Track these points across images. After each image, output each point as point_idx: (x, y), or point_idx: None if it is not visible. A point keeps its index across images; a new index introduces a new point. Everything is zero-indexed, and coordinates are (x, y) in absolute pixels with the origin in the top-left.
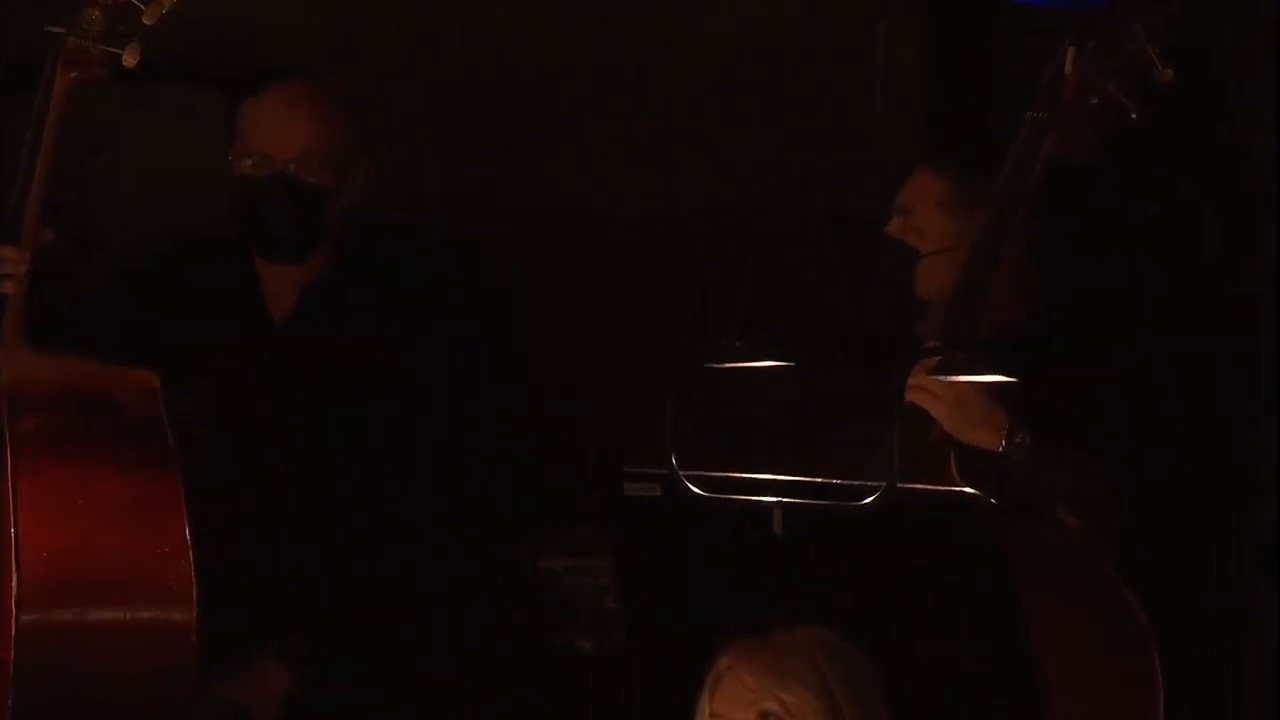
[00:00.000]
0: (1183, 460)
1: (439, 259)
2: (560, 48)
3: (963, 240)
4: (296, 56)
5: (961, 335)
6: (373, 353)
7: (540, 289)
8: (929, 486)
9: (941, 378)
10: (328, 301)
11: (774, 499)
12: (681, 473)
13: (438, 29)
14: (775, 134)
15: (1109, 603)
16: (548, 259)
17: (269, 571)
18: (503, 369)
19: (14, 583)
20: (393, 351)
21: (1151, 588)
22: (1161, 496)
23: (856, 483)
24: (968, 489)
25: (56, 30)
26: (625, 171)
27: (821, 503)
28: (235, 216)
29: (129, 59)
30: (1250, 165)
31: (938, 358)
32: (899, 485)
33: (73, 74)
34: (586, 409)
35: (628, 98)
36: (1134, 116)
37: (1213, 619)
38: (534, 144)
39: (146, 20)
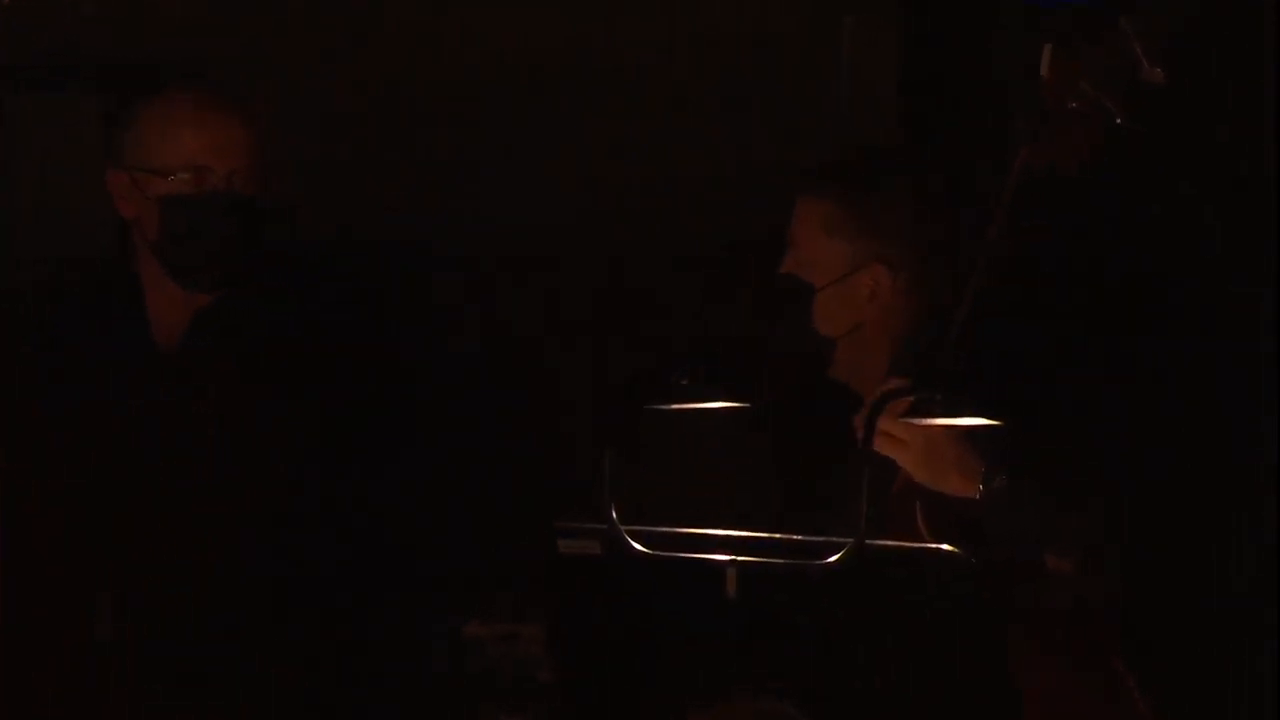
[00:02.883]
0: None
1: (349, 282)
2: (496, 46)
3: (860, 264)
4: (188, 51)
5: (934, 374)
6: (274, 389)
7: (461, 317)
8: (901, 543)
9: (914, 421)
10: (225, 329)
11: (728, 557)
12: (623, 528)
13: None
14: (730, 139)
15: (1105, 679)
16: (468, 282)
17: (168, 628)
18: (418, 407)
19: None
20: (296, 388)
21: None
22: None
23: (820, 538)
24: (945, 545)
25: None
26: (563, 182)
27: (781, 561)
28: (160, 239)
29: None
30: (1250, 164)
31: (907, 400)
32: (868, 541)
33: None
34: (516, 454)
35: (572, 99)
36: (1119, 122)
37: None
38: (455, 150)
39: None
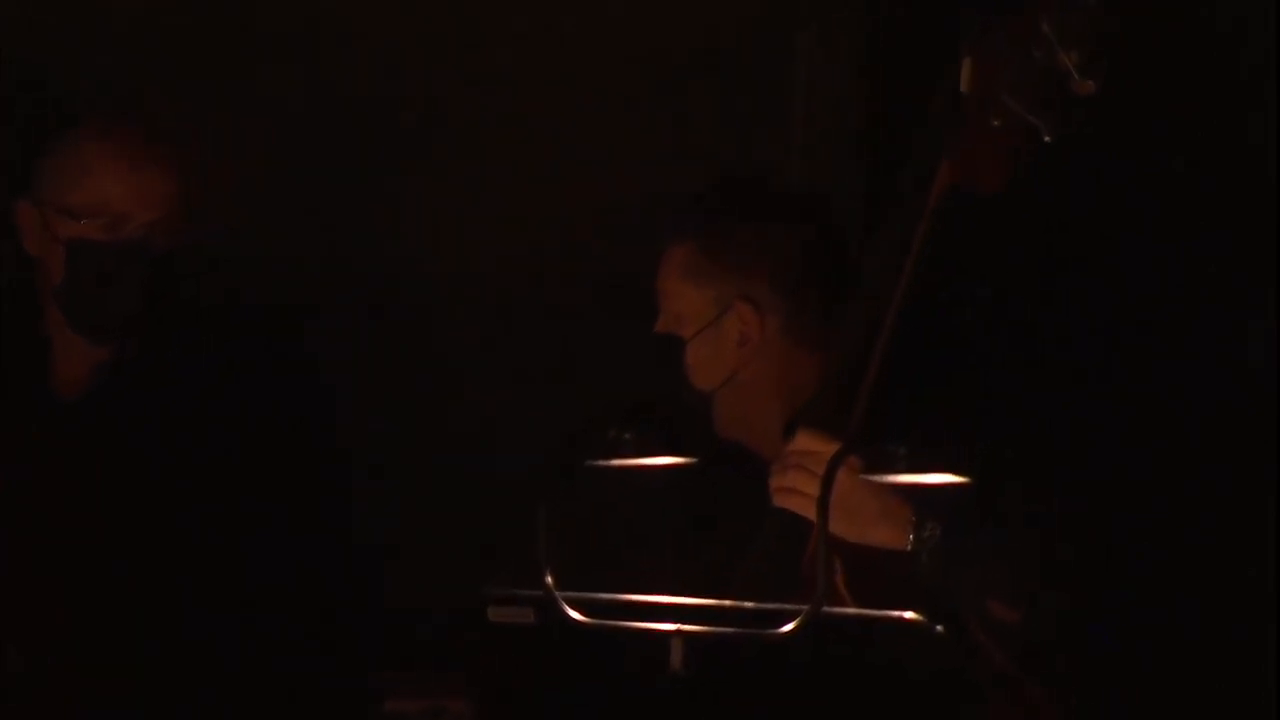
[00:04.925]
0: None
1: (261, 332)
2: (416, 68)
3: (725, 305)
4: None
5: (885, 425)
6: (181, 445)
7: (382, 365)
8: (861, 610)
9: (875, 478)
10: (131, 382)
11: (673, 626)
12: (559, 594)
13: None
14: (670, 168)
15: None
16: (389, 328)
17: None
18: (336, 463)
19: None
20: (204, 445)
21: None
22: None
23: (773, 605)
24: (908, 613)
25: None
26: (494, 223)
27: (730, 630)
28: (62, 285)
29: None
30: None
31: (853, 455)
32: (824, 609)
33: None
34: (441, 514)
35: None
36: (1048, 140)
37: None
38: (370, 179)
39: None
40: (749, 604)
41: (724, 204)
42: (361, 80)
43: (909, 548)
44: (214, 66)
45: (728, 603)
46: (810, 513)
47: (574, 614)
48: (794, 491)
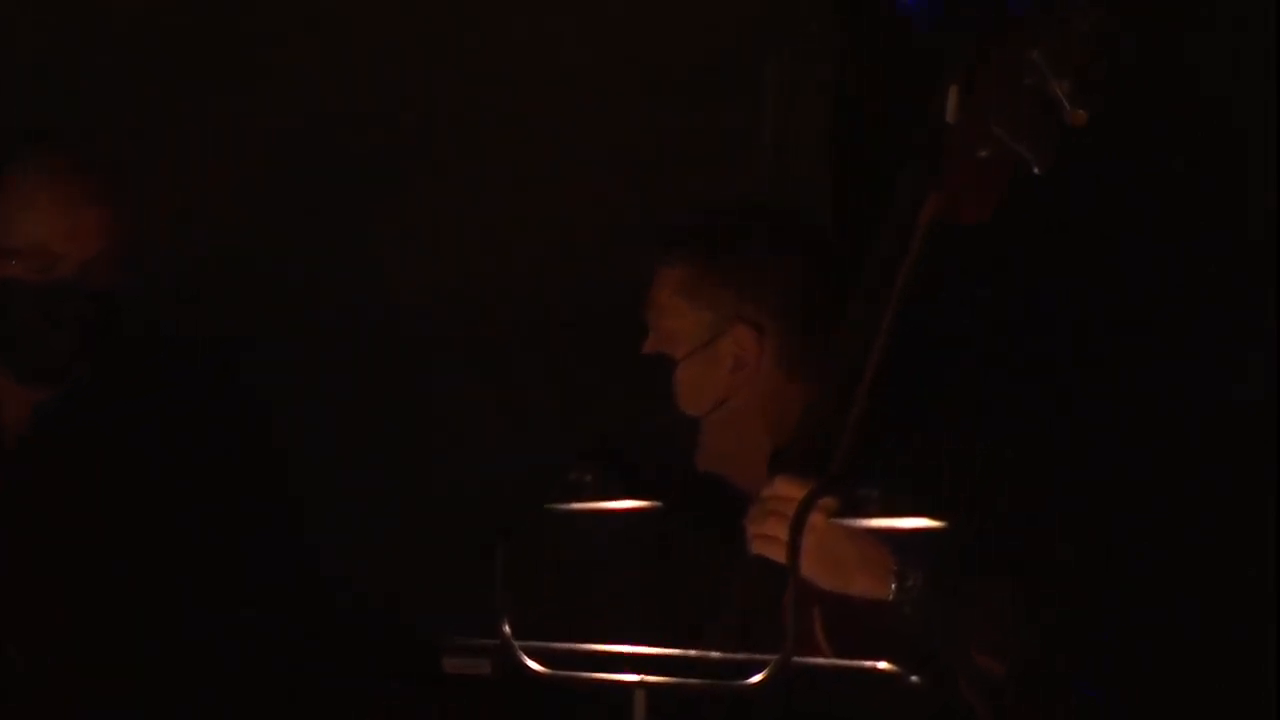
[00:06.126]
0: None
1: (204, 369)
2: (372, 92)
3: (722, 329)
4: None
5: (863, 464)
6: (124, 488)
7: (328, 402)
8: (834, 660)
9: (848, 522)
10: (71, 423)
11: (635, 677)
12: (517, 644)
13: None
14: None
15: None
16: (339, 363)
17: None
18: (283, 509)
19: None
20: (146, 488)
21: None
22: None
23: (741, 655)
24: (882, 664)
25: None
26: (452, 251)
27: (696, 681)
28: None
29: None
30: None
31: (829, 498)
32: (794, 659)
33: None
34: (393, 562)
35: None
36: (1037, 171)
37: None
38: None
39: None
40: (715, 654)
41: (728, 226)
42: (348, 99)
43: (890, 598)
44: (210, 71)
45: (693, 653)
46: (782, 556)
47: (532, 664)
48: (772, 539)
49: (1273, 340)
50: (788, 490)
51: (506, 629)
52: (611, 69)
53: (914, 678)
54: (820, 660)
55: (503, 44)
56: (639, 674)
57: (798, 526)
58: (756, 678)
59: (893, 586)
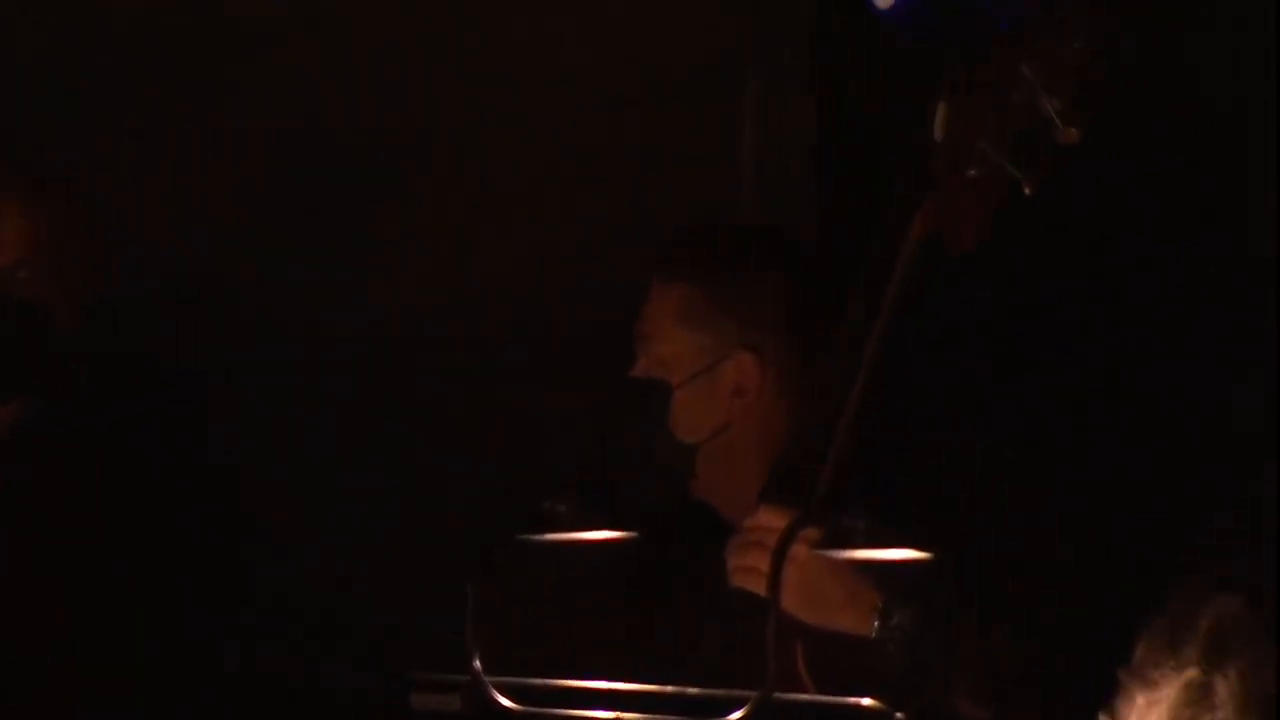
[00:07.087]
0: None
1: (162, 393)
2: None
3: (724, 354)
4: None
5: (848, 494)
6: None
7: (294, 427)
8: (816, 696)
9: (832, 553)
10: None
11: (610, 714)
12: (488, 679)
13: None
14: (611, 220)
15: None
16: (304, 384)
17: None
18: (246, 537)
19: None
20: (103, 518)
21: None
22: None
23: (720, 691)
24: (866, 700)
25: None
26: (421, 264)
27: (673, 717)
28: None
29: None
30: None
31: (812, 528)
32: (776, 695)
33: None
34: (360, 593)
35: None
36: (1028, 192)
37: None
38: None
39: None
40: (693, 690)
41: (727, 245)
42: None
43: (873, 635)
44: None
45: (669, 688)
46: (763, 589)
47: (504, 700)
48: (753, 571)
49: (1273, 340)
50: (770, 520)
51: (477, 664)
52: (612, 69)
53: (899, 715)
54: (803, 696)
55: (503, 44)
56: (614, 710)
57: (779, 558)
58: (736, 715)
59: (876, 624)
